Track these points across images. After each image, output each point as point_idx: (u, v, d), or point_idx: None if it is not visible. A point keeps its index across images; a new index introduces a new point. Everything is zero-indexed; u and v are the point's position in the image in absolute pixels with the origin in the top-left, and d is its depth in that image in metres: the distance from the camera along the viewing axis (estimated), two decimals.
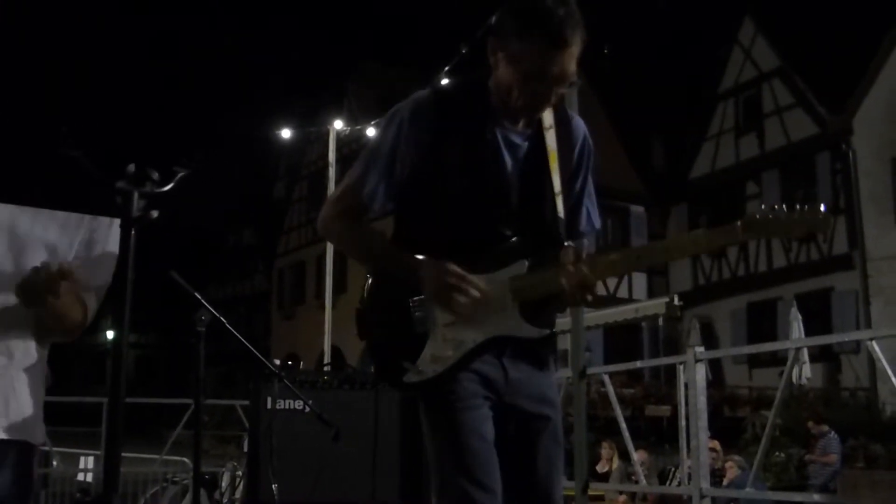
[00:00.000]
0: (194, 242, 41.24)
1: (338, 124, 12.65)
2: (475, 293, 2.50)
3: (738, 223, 2.48)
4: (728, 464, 10.39)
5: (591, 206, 2.80)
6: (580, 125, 2.74)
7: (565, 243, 2.60)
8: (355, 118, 20.65)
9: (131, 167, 2.05)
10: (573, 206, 2.72)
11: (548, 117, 2.63)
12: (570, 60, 2.45)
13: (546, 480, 2.70)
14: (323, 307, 12.49)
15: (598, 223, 2.83)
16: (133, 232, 2.02)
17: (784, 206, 2.46)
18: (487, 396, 2.60)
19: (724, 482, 9.81)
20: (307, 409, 4.42)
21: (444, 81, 10.96)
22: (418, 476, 5.13)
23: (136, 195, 2.04)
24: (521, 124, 2.63)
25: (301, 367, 26.51)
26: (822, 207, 2.46)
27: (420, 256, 2.57)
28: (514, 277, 2.58)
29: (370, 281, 2.72)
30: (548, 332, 2.66)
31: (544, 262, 2.58)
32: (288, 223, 36.55)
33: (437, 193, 2.59)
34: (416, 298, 2.58)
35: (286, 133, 13.08)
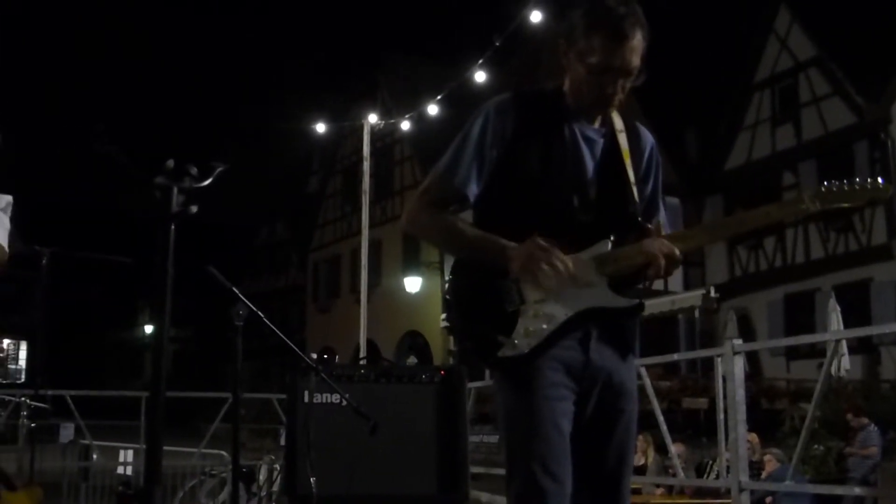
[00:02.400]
0: (229, 237, 41.49)
1: (372, 118, 12.63)
2: (561, 265, 2.62)
3: (805, 194, 2.67)
4: (767, 457, 10.30)
5: (664, 210, 2.98)
6: (648, 135, 2.96)
7: (647, 224, 2.79)
8: (388, 111, 20.68)
9: (170, 163, 2.06)
10: (648, 207, 2.91)
11: (618, 121, 2.86)
12: (632, 54, 2.67)
13: (615, 472, 2.79)
14: (358, 301, 12.50)
15: (669, 228, 2.94)
16: (173, 227, 2.03)
17: (845, 180, 2.65)
18: (572, 389, 2.71)
19: (763, 475, 9.73)
20: (344, 402, 4.43)
21: (479, 73, 10.93)
22: (455, 469, 5.13)
23: (175, 191, 2.04)
24: (595, 123, 2.83)
25: (336, 360, 26.63)
26: (881, 180, 2.67)
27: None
28: (599, 255, 2.72)
29: (454, 268, 2.86)
30: (636, 301, 2.79)
31: (625, 241, 2.74)
32: (322, 217, 36.69)
33: (520, 183, 2.75)
34: (504, 279, 2.70)
35: (321, 127, 13.08)
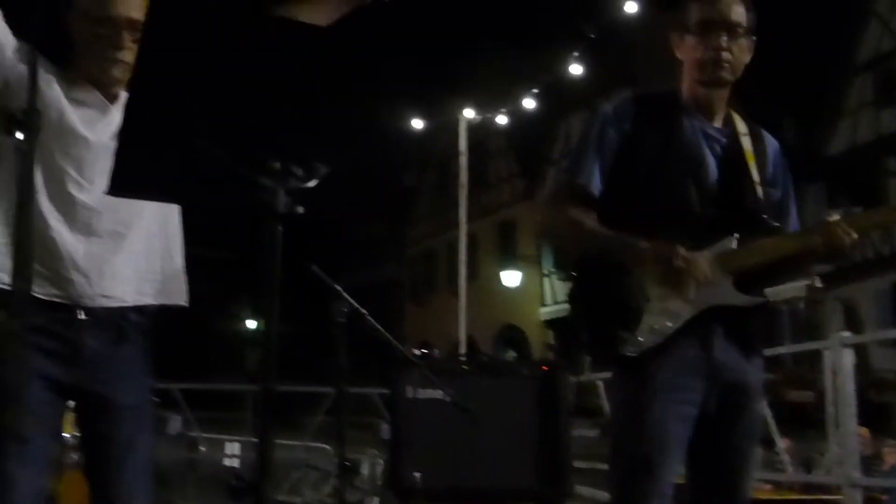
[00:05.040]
0: (326, 231, 41.92)
1: (468, 113, 12.64)
2: (701, 274, 2.64)
3: None
4: (887, 449, 10.02)
5: (796, 216, 2.97)
6: (772, 141, 2.98)
7: (772, 223, 2.79)
8: (483, 105, 20.66)
9: (276, 164, 2.09)
10: (779, 212, 2.89)
11: (741, 125, 2.87)
12: (729, 7, 2.72)
13: (736, 473, 2.76)
14: (454, 294, 12.55)
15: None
16: (280, 228, 2.07)
17: None
18: (694, 389, 2.68)
19: (886, 468, 9.45)
20: (446, 397, 4.46)
21: (574, 66, 10.85)
22: (556, 463, 5.12)
23: (281, 192, 2.08)
24: (716, 122, 2.84)
25: (436, 353, 26.77)
26: None
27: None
28: (724, 252, 2.70)
29: (578, 264, 2.87)
30: (761, 299, 2.75)
31: (750, 240, 2.72)
32: (418, 212, 36.90)
33: (638, 174, 2.76)
34: (629, 276, 2.71)
35: (418, 123, 13.14)
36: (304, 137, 2.18)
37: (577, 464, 5.76)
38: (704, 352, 2.69)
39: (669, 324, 2.66)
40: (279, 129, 2.15)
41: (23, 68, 2.51)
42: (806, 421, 15.56)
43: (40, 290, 2.58)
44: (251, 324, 47.52)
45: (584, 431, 13.12)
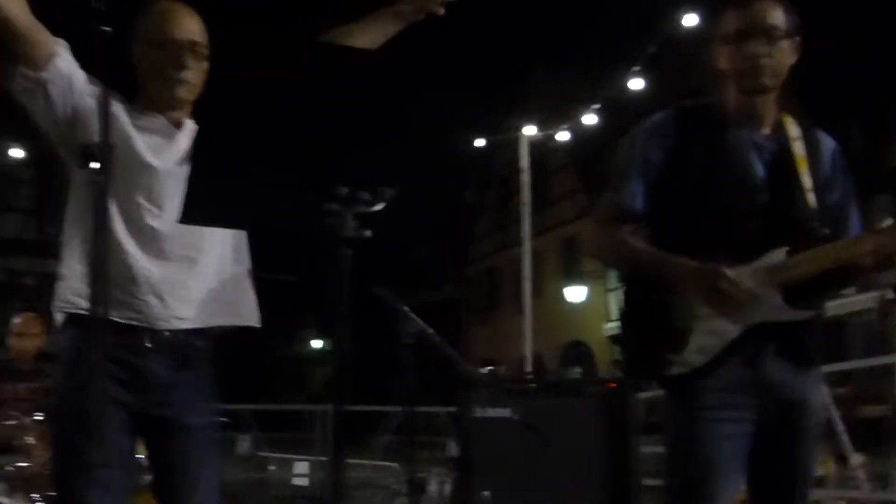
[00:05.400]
0: (389, 251, 42.04)
1: (527, 130, 12.64)
2: (745, 295, 2.56)
3: None
4: None
5: (857, 217, 2.86)
6: (829, 141, 2.86)
7: (824, 231, 2.68)
8: (543, 121, 20.66)
9: (343, 189, 2.12)
10: (839, 214, 2.80)
11: (793, 129, 2.77)
12: (764, 13, 2.67)
13: (797, 488, 2.71)
14: (518, 312, 12.52)
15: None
16: (349, 252, 2.10)
17: None
18: (745, 407, 2.63)
19: None
20: (515, 417, 4.46)
21: (633, 81, 10.80)
22: (625, 481, 5.08)
23: (348, 216, 2.11)
24: (765, 129, 2.75)
25: (503, 370, 26.68)
26: None
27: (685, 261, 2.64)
28: (771, 265, 2.62)
29: (627, 282, 2.86)
30: (812, 313, 2.66)
31: (800, 250, 2.63)
32: (479, 230, 36.90)
33: (684, 189, 2.70)
34: (675, 294, 2.65)
35: (479, 142, 13.17)
36: (370, 162, 2.20)
37: (646, 481, 5.70)
38: (753, 370, 2.63)
39: (715, 342, 2.60)
40: (346, 154, 2.18)
41: (91, 101, 2.59)
42: (881, 436, 15.18)
43: (116, 314, 2.65)
44: (316, 344, 47.86)
45: (651, 448, 13.01)
